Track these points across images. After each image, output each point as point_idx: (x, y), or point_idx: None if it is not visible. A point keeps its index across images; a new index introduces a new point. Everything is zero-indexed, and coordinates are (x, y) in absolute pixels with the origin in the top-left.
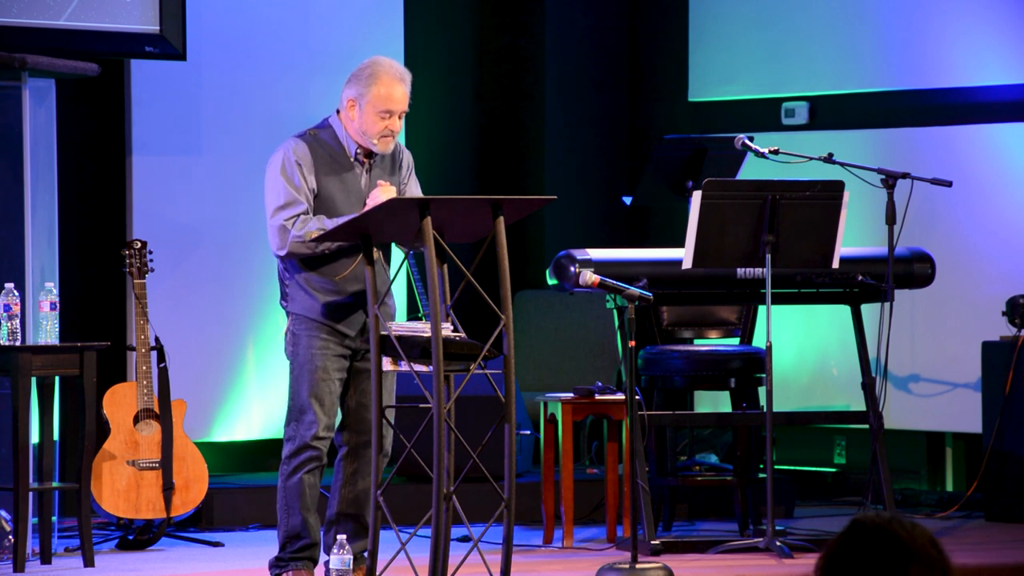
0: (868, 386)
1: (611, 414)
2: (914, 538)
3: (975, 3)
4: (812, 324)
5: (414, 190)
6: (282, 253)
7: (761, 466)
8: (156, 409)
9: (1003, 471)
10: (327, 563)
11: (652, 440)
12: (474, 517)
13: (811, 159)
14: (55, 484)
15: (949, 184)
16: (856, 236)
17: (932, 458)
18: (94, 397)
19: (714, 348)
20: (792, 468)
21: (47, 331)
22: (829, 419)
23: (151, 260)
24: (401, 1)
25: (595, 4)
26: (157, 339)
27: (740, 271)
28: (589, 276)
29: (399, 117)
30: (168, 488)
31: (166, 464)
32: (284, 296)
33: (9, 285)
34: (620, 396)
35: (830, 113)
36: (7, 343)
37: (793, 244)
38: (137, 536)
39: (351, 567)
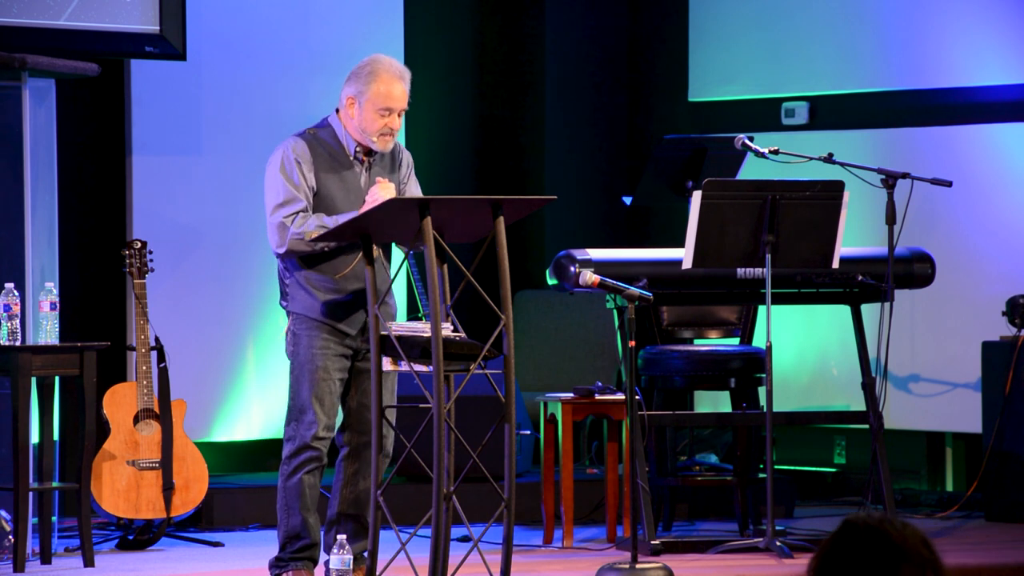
0: (868, 386)
1: (611, 414)
2: (905, 538)
3: (975, 3)
4: (812, 324)
5: (414, 190)
6: (281, 251)
7: (761, 466)
8: (156, 409)
9: (1003, 471)
10: (327, 563)
11: (652, 440)
12: (474, 517)
13: (811, 159)
14: (55, 484)
15: (949, 184)
16: (856, 236)
17: (932, 458)
18: (94, 397)
19: (714, 348)
20: (792, 468)
21: (47, 331)
22: (829, 419)
23: (151, 260)
24: (401, 1)
25: (595, 4)
26: (157, 339)
27: (740, 271)
28: (589, 276)
29: (399, 115)
30: (168, 488)
31: (166, 464)
32: (284, 296)
33: (9, 285)
34: (620, 396)
35: (830, 113)
36: (7, 343)
37: (793, 244)
38: (137, 536)
39: (351, 567)
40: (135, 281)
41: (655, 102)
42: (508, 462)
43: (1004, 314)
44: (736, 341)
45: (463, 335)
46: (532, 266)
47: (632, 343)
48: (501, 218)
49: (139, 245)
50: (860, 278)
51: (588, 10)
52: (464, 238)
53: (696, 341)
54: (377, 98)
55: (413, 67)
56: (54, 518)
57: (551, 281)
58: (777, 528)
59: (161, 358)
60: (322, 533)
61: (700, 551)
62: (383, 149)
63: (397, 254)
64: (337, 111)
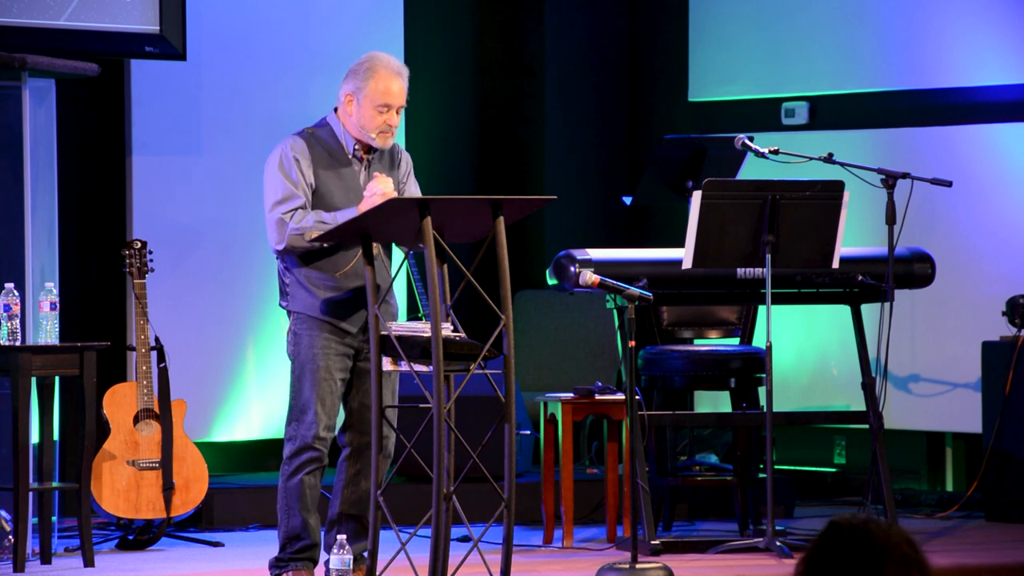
0: (868, 386)
1: (611, 414)
2: (890, 538)
3: (975, 3)
4: (812, 324)
5: (413, 191)
6: (280, 247)
7: (761, 466)
8: (156, 409)
9: (1003, 471)
10: (327, 563)
11: (652, 440)
12: (474, 517)
13: (811, 159)
14: (55, 484)
15: (949, 184)
16: (856, 236)
17: (932, 458)
18: (94, 397)
19: (714, 348)
20: (792, 468)
21: (47, 331)
22: (829, 419)
23: (151, 260)
24: (401, 1)
25: (595, 4)
26: (157, 339)
27: (740, 271)
28: (589, 276)
29: (397, 112)
30: (168, 488)
31: (166, 464)
32: (284, 295)
33: (9, 285)
34: (620, 396)
35: (830, 113)
36: (7, 343)
37: (793, 244)
38: (137, 536)
39: (351, 567)
40: (135, 281)
41: (655, 102)
42: (508, 462)
43: (1004, 314)
44: (736, 341)
45: (463, 335)
46: (532, 266)
47: (632, 343)
48: (501, 218)
49: (139, 245)
50: (860, 278)
51: (588, 10)
52: (464, 238)
53: (696, 341)
54: (375, 94)
55: (413, 67)
56: (54, 518)
57: (551, 281)
58: (777, 528)
59: (161, 358)
60: (323, 533)
61: (700, 551)
62: (382, 146)
63: (397, 252)
64: (336, 110)
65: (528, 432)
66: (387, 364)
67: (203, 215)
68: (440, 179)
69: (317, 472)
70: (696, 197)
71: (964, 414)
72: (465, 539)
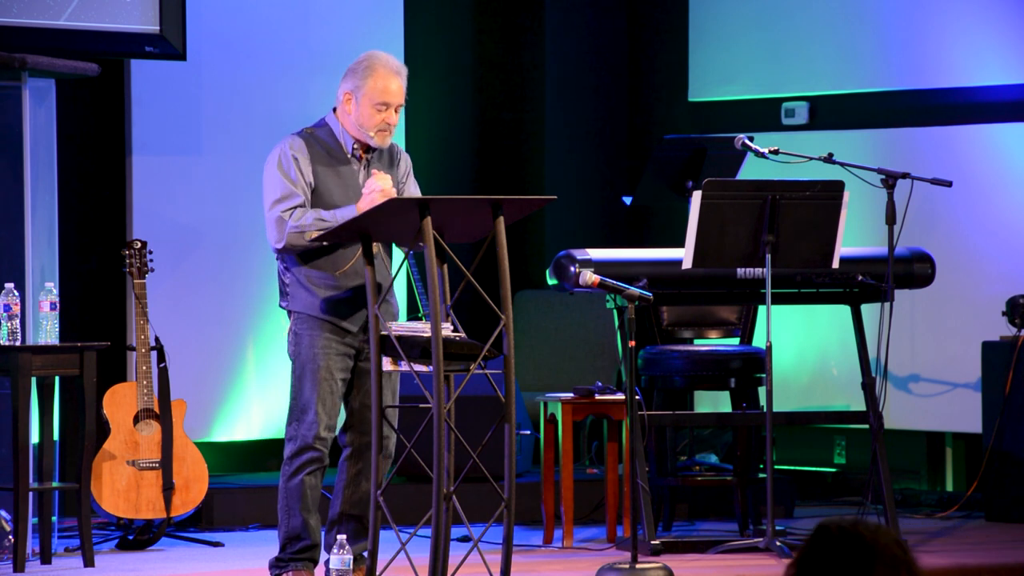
0: (868, 386)
1: (611, 414)
2: (878, 539)
3: (975, 3)
4: (812, 324)
5: (413, 192)
6: (279, 246)
7: (761, 466)
8: (156, 409)
9: (1003, 471)
10: (327, 563)
11: (652, 440)
12: (474, 517)
13: (811, 159)
14: (55, 484)
15: (949, 184)
16: (856, 236)
17: (932, 458)
18: (94, 397)
19: (714, 348)
20: (792, 468)
21: (47, 331)
22: (829, 419)
23: (151, 260)
24: (401, 1)
25: (595, 4)
26: (157, 339)
27: (740, 271)
28: (589, 276)
29: (395, 111)
30: (168, 488)
31: (166, 464)
32: (284, 295)
33: (9, 285)
34: (620, 396)
35: (830, 113)
36: (7, 343)
37: (793, 244)
38: (137, 536)
39: (351, 567)
40: (135, 281)
41: (655, 102)
42: (508, 462)
43: (1004, 314)
44: (736, 341)
45: (463, 335)
46: (532, 266)
47: (632, 343)
48: (501, 218)
49: (139, 245)
50: (860, 278)
51: (588, 10)
52: (464, 238)
53: (696, 341)
54: (374, 93)
55: (413, 67)
56: (54, 518)
57: (551, 281)
58: (777, 528)
59: (161, 358)
60: (323, 533)
61: (700, 551)
62: (380, 145)
63: (397, 251)
64: (334, 110)
65: (528, 432)
66: (387, 364)
67: (203, 215)
68: (440, 179)
69: (318, 472)
70: (696, 197)
71: (964, 414)
72: (465, 539)
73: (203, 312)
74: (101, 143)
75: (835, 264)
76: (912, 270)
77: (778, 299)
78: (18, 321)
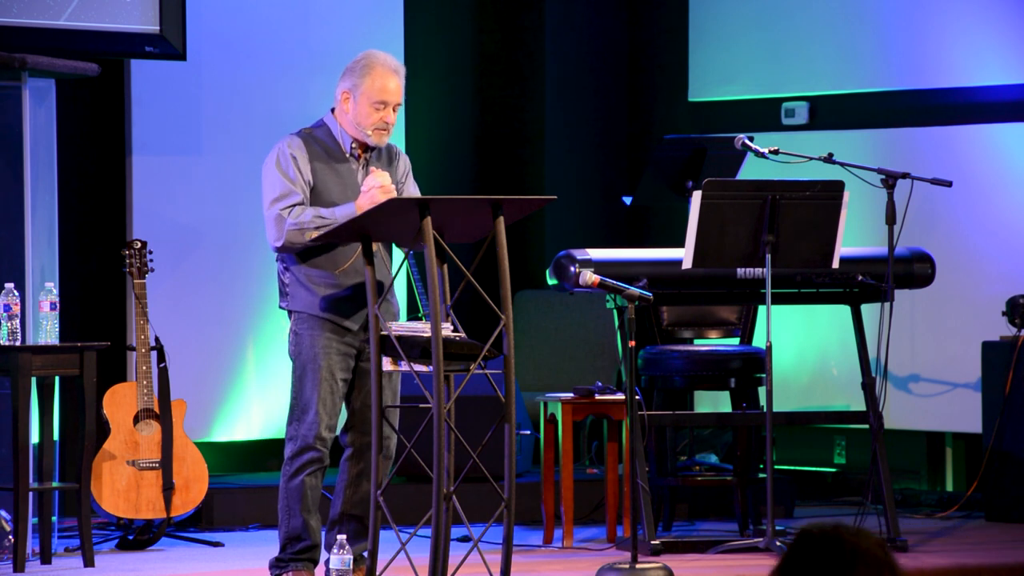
0: (868, 386)
1: (611, 414)
2: (859, 541)
3: (975, 3)
4: (812, 324)
5: (412, 193)
6: (279, 244)
7: (761, 466)
8: (156, 409)
9: (1003, 471)
10: (327, 563)
11: (652, 440)
12: (474, 517)
13: (811, 159)
14: (55, 484)
15: (949, 184)
16: (856, 236)
17: (932, 458)
18: (94, 397)
19: (714, 348)
20: (792, 468)
21: (47, 331)
22: (829, 419)
23: (151, 260)
24: (401, 1)
25: (595, 4)
26: (157, 339)
27: (740, 271)
28: (589, 276)
29: (393, 109)
30: (168, 488)
31: (166, 464)
32: (284, 295)
33: (9, 285)
34: (620, 396)
35: (830, 113)
36: (7, 343)
37: (793, 244)
38: (137, 536)
39: (351, 567)
40: (135, 281)
41: (655, 102)
42: (508, 462)
43: (1004, 314)
44: (736, 341)
45: (463, 335)
46: (532, 266)
47: (632, 343)
48: (501, 218)
49: (139, 245)
50: (860, 278)
51: (588, 10)
52: (464, 238)
53: (696, 341)
54: (372, 92)
55: (413, 67)
56: (54, 518)
57: (551, 281)
58: (777, 528)
59: (161, 358)
60: (323, 532)
61: (700, 551)
62: (378, 143)
63: (397, 251)
64: (332, 110)
65: (528, 432)
66: (387, 364)
67: (203, 215)
68: (440, 179)
69: (318, 473)
70: (696, 197)
71: (964, 414)
72: (465, 539)
73: (203, 312)
74: (101, 143)
75: (835, 264)
76: (912, 270)
77: (778, 299)
78: (18, 321)
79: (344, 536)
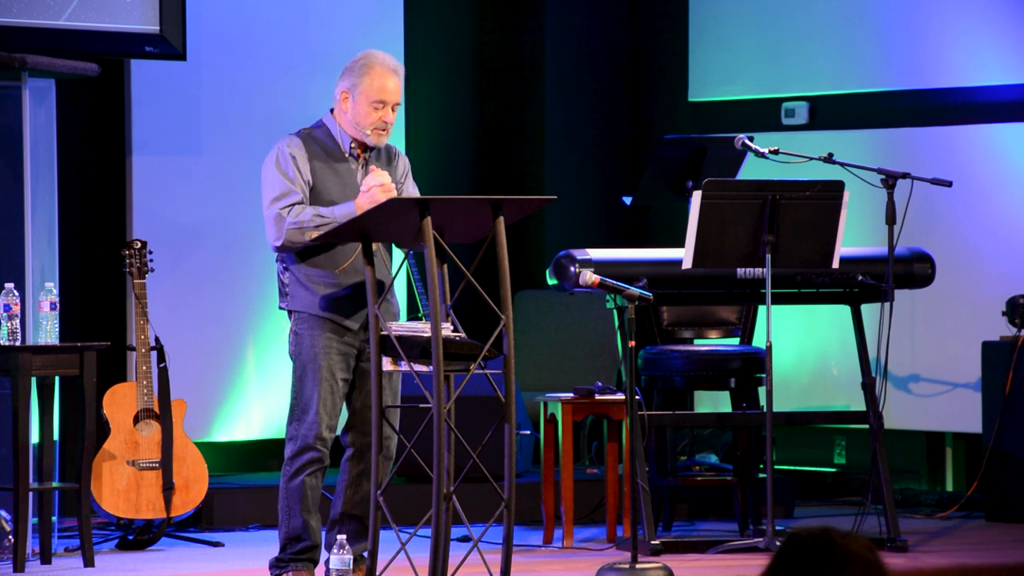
0: (868, 386)
1: (611, 414)
2: (849, 544)
3: (975, 3)
4: (812, 324)
5: (412, 193)
6: (278, 243)
7: (761, 466)
8: (156, 409)
9: (1003, 471)
10: (327, 562)
11: (652, 440)
12: (474, 517)
13: (811, 159)
14: (55, 484)
15: (949, 184)
16: (856, 236)
17: (932, 458)
18: (94, 397)
19: (714, 348)
20: (792, 468)
21: (47, 331)
22: (829, 419)
23: (151, 260)
24: (401, 1)
25: (595, 4)
26: (157, 339)
27: (740, 271)
28: (589, 276)
29: (392, 109)
30: (168, 488)
31: (166, 464)
32: (283, 296)
33: (9, 285)
34: (620, 396)
35: (830, 113)
36: (7, 343)
37: (793, 244)
38: (137, 536)
39: (351, 567)
40: (135, 281)
41: (655, 102)
42: (508, 462)
43: (1004, 314)
44: (736, 341)
45: (463, 335)
46: (532, 266)
47: (632, 343)
48: (501, 218)
49: (139, 245)
50: (860, 278)
51: (588, 10)
52: (464, 238)
53: (696, 341)
54: (370, 91)
55: (413, 67)
56: (54, 518)
57: (551, 281)
58: (777, 528)
59: (161, 358)
60: (323, 532)
61: (700, 551)
62: (377, 143)
63: (397, 250)
64: (332, 111)
65: (528, 432)
66: (387, 364)
67: (203, 215)
68: (440, 179)
69: (318, 473)
70: (696, 197)
71: (964, 414)
72: (465, 539)
73: (203, 312)
74: (101, 143)
75: (835, 264)
76: (912, 270)
77: (778, 299)
78: (18, 321)
79: (344, 536)
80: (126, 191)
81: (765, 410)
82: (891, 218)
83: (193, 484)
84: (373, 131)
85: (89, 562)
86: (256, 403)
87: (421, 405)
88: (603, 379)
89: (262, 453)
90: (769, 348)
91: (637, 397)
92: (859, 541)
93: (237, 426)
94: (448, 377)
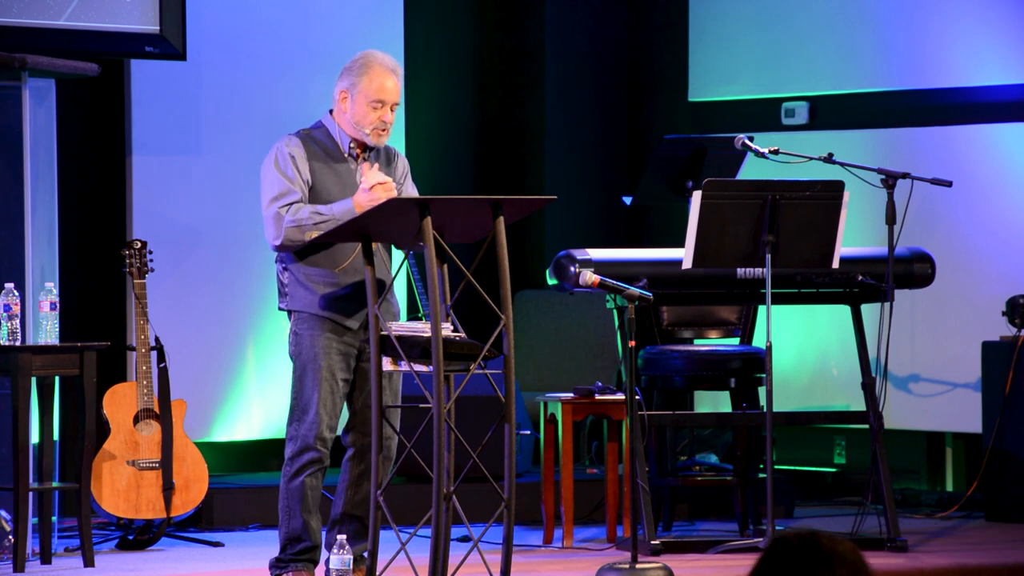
0: (868, 386)
1: (611, 414)
2: (835, 546)
3: (975, 3)
4: (812, 324)
5: (411, 194)
6: (277, 243)
7: (761, 466)
8: (156, 409)
9: (1003, 471)
10: (327, 562)
11: (652, 440)
12: (474, 517)
13: (811, 159)
14: (55, 484)
15: (949, 184)
16: (856, 236)
17: (932, 458)
18: (94, 397)
19: (714, 348)
20: (792, 468)
21: (47, 331)
22: (829, 419)
23: (151, 260)
24: (401, 1)
25: (595, 4)
26: (157, 339)
27: (740, 271)
28: (589, 276)
29: (391, 109)
30: (168, 488)
31: (166, 464)
32: (283, 296)
33: (9, 285)
34: (620, 396)
35: (830, 113)
36: (7, 343)
37: (793, 244)
38: (137, 536)
39: (351, 567)
40: (135, 281)
41: (655, 102)
42: (508, 462)
43: (1004, 314)
44: (736, 341)
45: (463, 335)
46: (532, 266)
47: (632, 343)
48: (501, 218)
49: (139, 245)
50: (860, 278)
51: (588, 10)
52: (464, 238)
53: (696, 341)
54: (369, 91)
55: (413, 67)
56: (54, 518)
57: (551, 281)
58: (777, 528)
59: (161, 358)
60: (324, 532)
61: (700, 551)
62: (376, 143)
63: (397, 251)
64: (331, 112)
65: (528, 432)
66: (387, 364)
67: (203, 215)
68: (440, 179)
69: (319, 473)
70: (696, 197)
71: (964, 414)
72: (465, 539)
73: (203, 312)
74: (101, 143)
75: (835, 264)
76: (912, 270)
77: (778, 299)
78: (18, 321)
79: (344, 536)
80: (126, 191)
81: (765, 410)
82: (891, 218)
83: (193, 484)
84: (372, 131)
85: (89, 562)
86: (256, 403)
87: (421, 405)
88: (603, 379)
89: (262, 453)
90: (769, 348)
91: (637, 397)
92: (845, 543)
93: (237, 426)
94: (448, 377)
